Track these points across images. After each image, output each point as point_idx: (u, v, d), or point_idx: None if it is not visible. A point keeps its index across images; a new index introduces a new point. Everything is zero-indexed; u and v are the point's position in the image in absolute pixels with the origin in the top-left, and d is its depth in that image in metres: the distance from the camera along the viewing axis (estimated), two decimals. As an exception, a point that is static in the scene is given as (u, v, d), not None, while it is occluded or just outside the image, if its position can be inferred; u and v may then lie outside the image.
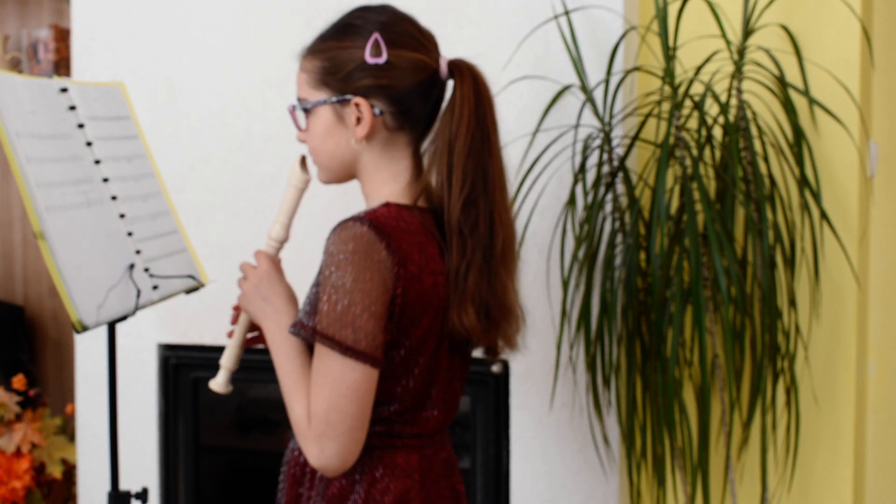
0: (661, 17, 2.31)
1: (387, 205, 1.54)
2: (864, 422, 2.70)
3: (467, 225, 1.53)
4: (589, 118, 2.41)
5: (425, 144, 1.60)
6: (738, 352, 2.37)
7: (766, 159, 2.41)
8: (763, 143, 2.41)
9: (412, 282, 1.48)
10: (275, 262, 1.65)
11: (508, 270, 1.58)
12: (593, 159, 2.42)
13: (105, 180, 1.84)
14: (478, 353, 1.67)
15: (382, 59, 1.53)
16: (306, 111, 1.59)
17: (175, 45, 2.77)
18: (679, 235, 2.28)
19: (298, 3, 2.61)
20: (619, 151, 2.41)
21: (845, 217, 2.48)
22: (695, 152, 2.32)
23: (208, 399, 2.81)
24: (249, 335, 1.73)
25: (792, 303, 2.39)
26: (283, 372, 1.53)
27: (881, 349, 2.74)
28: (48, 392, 3.77)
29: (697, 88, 2.44)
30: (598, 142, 2.39)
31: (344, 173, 1.61)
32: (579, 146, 2.42)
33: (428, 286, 1.50)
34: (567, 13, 2.39)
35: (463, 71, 1.56)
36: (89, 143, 1.84)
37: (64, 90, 1.83)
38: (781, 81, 2.42)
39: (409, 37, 1.55)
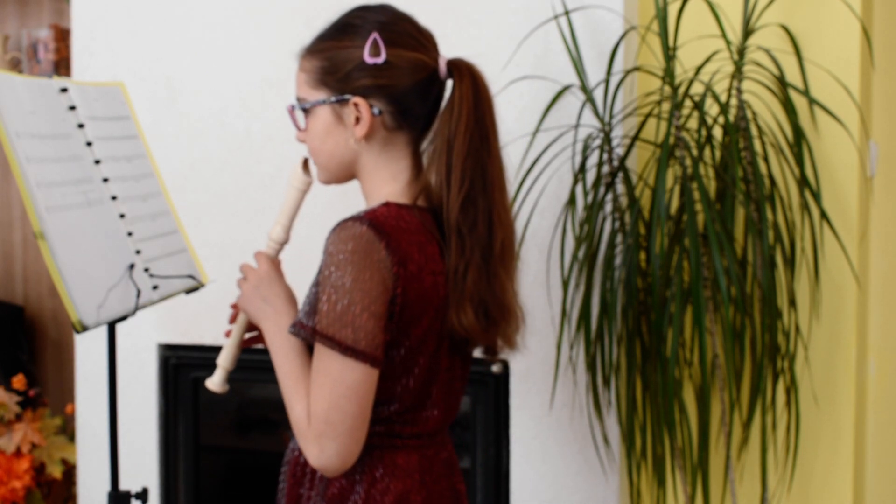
0: (661, 17, 2.31)
1: (386, 204, 1.54)
2: (864, 422, 2.70)
3: (466, 224, 1.53)
4: (589, 118, 2.41)
5: (425, 144, 1.60)
6: (738, 352, 2.37)
7: (766, 159, 2.41)
8: (763, 143, 2.41)
9: (412, 281, 1.48)
10: (275, 263, 1.65)
11: (507, 270, 1.58)
12: (593, 159, 2.42)
13: (105, 180, 1.84)
14: (478, 353, 1.67)
15: (381, 59, 1.53)
16: (305, 111, 1.59)
17: (175, 45, 2.77)
18: (679, 235, 2.28)
19: (298, 3, 2.61)
20: (619, 151, 2.41)
21: (845, 217, 2.48)
22: (695, 152, 2.32)
23: (208, 399, 2.81)
24: (247, 335, 1.73)
25: (792, 303, 2.39)
26: (283, 372, 1.53)
27: (881, 349, 2.74)
28: (48, 392, 3.77)
29: (697, 88, 2.44)
30: (598, 142, 2.39)
31: (343, 173, 1.61)
32: (579, 146, 2.42)
33: (428, 286, 1.50)
34: (567, 13, 2.39)
35: (462, 70, 1.56)
36: (89, 143, 1.84)
37: (64, 90, 1.83)
38: (781, 81, 2.42)
39: (408, 36, 1.55)
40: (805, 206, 2.40)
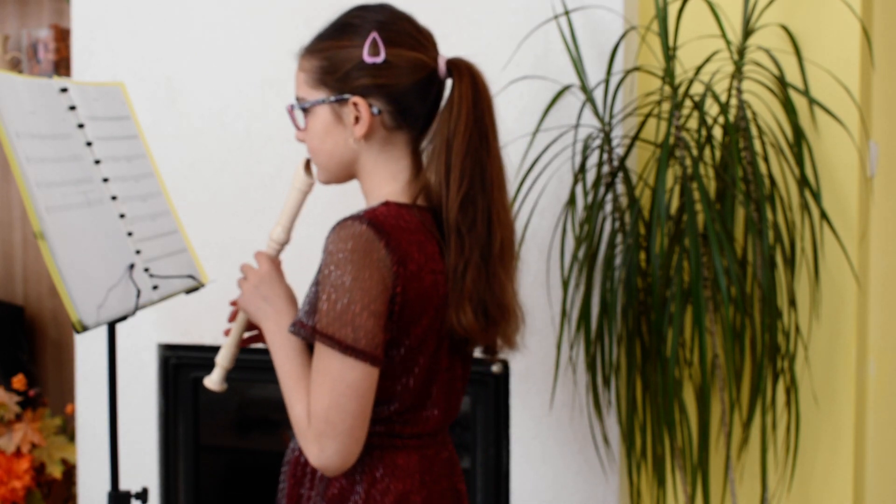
0: (661, 17, 2.31)
1: (386, 203, 1.54)
2: (864, 422, 2.69)
3: (465, 223, 1.53)
4: (589, 118, 2.41)
5: (424, 143, 1.60)
6: (738, 352, 2.37)
7: (766, 159, 2.41)
8: (763, 143, 2.41)
9: (412, 280, 1.48)
10: (275, 263, 1.65)
11: (507, 270, 1.58)
12: (593, 159, 2.42)
13: (105, 180, 1.84)
14: (478, 352, 1.67)
15: (380, 59, 1.53)
16: (305, 111, 1.59)
17: (175, 45, 2.77)
18: (679, 235, 2.28)
19: (298, 3, 2.61)
20: (619, 151, 2.41)
21: (845, 217, 2.48)
22: (695, 152, 2.32)
23: (208, 399, 2.81)
24: (247, 334, 1.73)
25: (792, 303, 2.39)
26: (284, 372, 1.53)
27: (881, 349, 2.74)
28: (48, 392, 3.77)
29: (697, 88, 2.44)
30: (598, 142, 2.39)
31: (343, 173, 1.61)
32: (579, 146, 2.42)
33: (428, 285, 1.50)
34: (567, 13, 2.39)
35: (461, 69, 1.56)
36: (89, 143, 1.84)
37: (64, 90, 1.83)
38: (781, 81, 2.42)
39: (408, 36, 1.55)
40: (805, 206, 2.40)
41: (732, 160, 2.27)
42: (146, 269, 1.86)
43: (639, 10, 2.56)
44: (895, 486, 2.77)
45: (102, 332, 1.88)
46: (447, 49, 1.63)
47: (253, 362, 2.37)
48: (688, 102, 2.38)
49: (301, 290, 1.60)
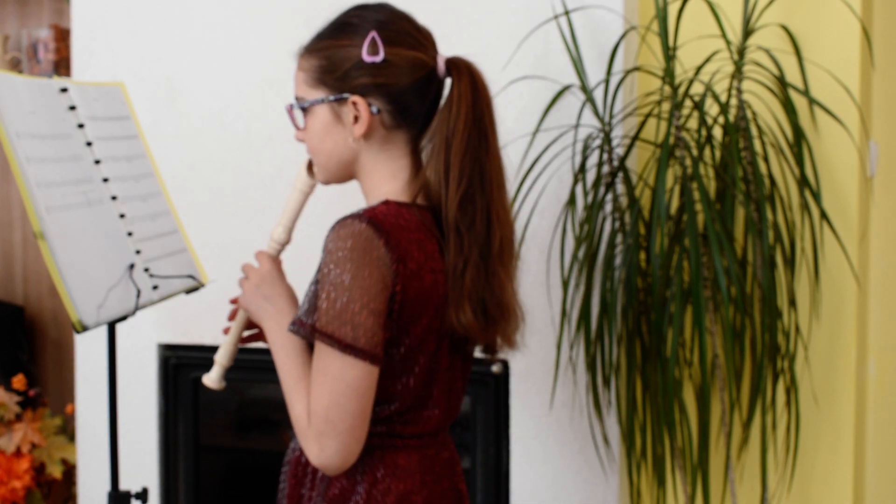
0: (661, 17, 2.31)
1: (386, 202, 1.54)
2: (864, 422, 2.69)
3: (464, 222, 1.52)
4: (589, 118, 2.41)
5: (424, 142, 1.60)
6: (738, 352, 2.37)
7: (766, 159, 2.41)
8: (763, 143, 2.41)
9: (411, 279, 1.48)
10: (276, 263, 1.65)
11: (507, 269, 1.58)
12: (593, 159, 2.42)
13: (105, 180, 1.84)
14: (478, 352, 1.67)
15: (379, 58, 1.53)
16: (304, 110, 1.59)
17: (175, 45, 2.77)
18: (679, 235, 2.28)
19: (298, 2, 2.61)
20: (619, 151, 2.41)
21: (845, 217, 2.48)
22: (695, 152, 2.32)
23: (208, 399, 2.81)
24: (246, 333, 1.73)
25: (792, 303, 2.39)
26: (285, 371, 1.53)
27: (881, 349, 2.74)
28: (48, 392, 3.77)
29: (697, 88, 2.44)
30: (598, 142, 2.39)
31: (343, 172, 1.61)
32: (579, 146, 2.42)
33: (427, 284, 1.50)
34: (567, 13, 2.39)
35: (460, 69, 1.56)
36: (89, 143, 1.84)
37: (64, 90, 1.83)
38: (781, 81, 2.42)
39: (407, 35, 1.55)
40: (805, 206, 2.40)
41: (732, 160, 2.27)
42: (146, 269, 1.86)
43: (639, 10, 2.56)
44: (895, 486, 2.77)
45: (102, 332, 1.88)
46: (447, 49, 1.63)
47: (253, 362, 2.37)
48: (688, 102, 2.38)
49: (301, 290, 1.60)
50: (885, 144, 2.71)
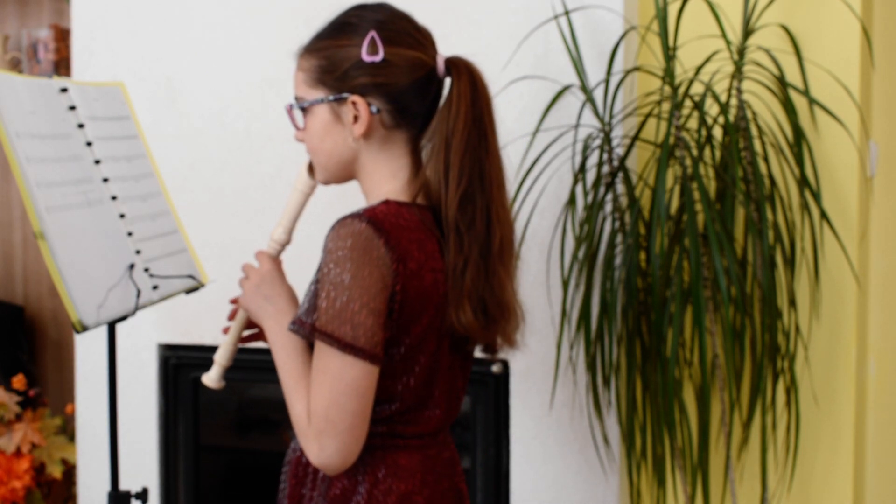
0: (661, 17, 2.31)
1: (386, 202, 1.54)
2: (864, 422, 2.69)
3: (464, 222, 1.52)
4: (589, 118, 2.41)
5: (424, 142, 1.60)
6: (738, 352, 2.37)
7: (766, 159, 2.42)
8: (763, 143, 2.41)
9: (412, 279, 1.48)
10: (276, 262, 1.65)
11: (507, 268, 1.58)
12: (593, 159, 2.42)
13: (105, 180, 1.84)
14: (478, 352, 1.67)
15: (379, 57, 1.53)
16: (303, 110, 1.59)
17: (175, 45, 2.77)
18: (679, 235, 2.28)
19: (298, 2, 2.61)
20: (619, 151, 2.41)
21: (845, 217, 2.48)
22: (695, 152, 2.32)
23: (208, 399, 2.81)
24: (246, 333, 1.73)
25: (792, 303, 2.39)
26: (285, 371, 1.53)
27: (881, 349, 2.74)
28: (48, 392, 3.77)
29: (697, 88, 2.44)
30: (598, 142, 2.39)
31: (342, 172, 1.61)
32: (579, 146, 2.42)
33: (428, 283, 1.50)
34: (567, 13, 2.39)
35: (460, 68, 1.56)
36: (89, 143, 1.84)
37: (64, 90, 1.83)
38: (781, 81, 2.42)
39: (406, 34, 1.55)
40: (805, 206, 2.40)
41: (732, 160, 2.27)
42: (146, 269, 1.86)
43: (639, 10, 2.56)
44: (895, 486, 2.77)
45: (102, 332, 1.88)
46: (447, 49, 1.63)
47: (253, 362, 2.37)
48: (688, 102, 2.38)
49: (301, 290, 1.60)
50: (885, 144, 2.71)
